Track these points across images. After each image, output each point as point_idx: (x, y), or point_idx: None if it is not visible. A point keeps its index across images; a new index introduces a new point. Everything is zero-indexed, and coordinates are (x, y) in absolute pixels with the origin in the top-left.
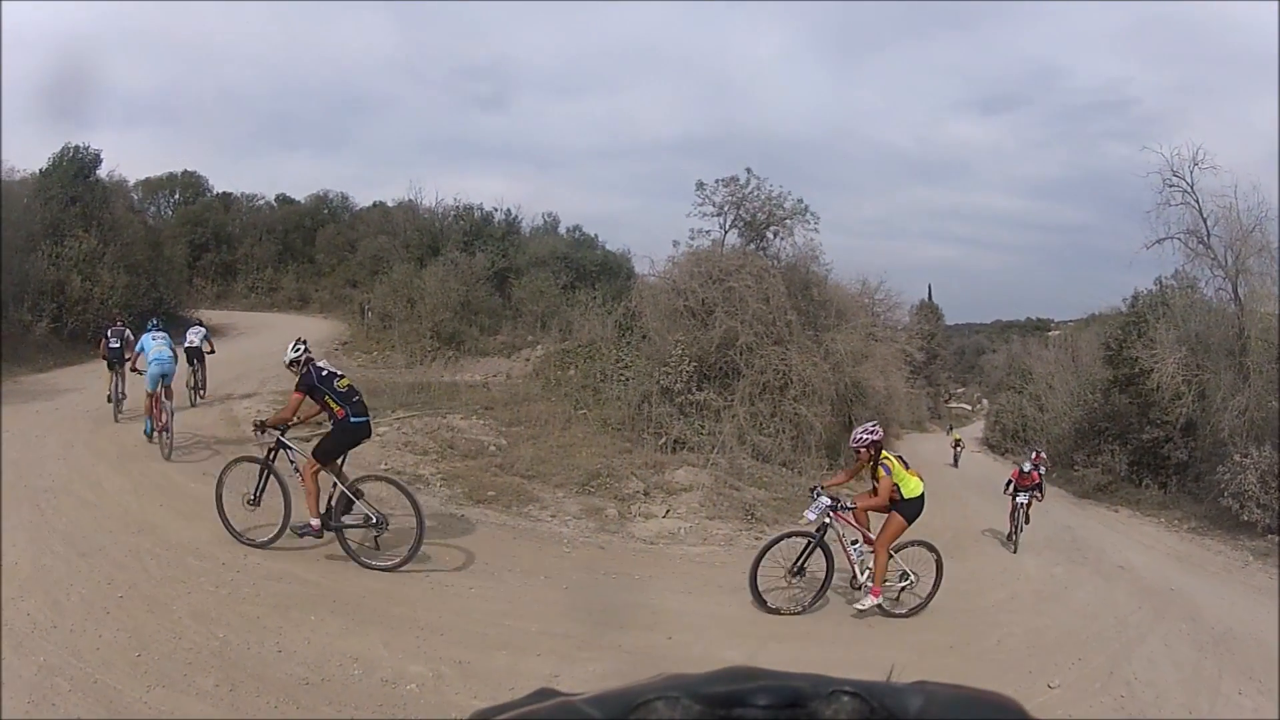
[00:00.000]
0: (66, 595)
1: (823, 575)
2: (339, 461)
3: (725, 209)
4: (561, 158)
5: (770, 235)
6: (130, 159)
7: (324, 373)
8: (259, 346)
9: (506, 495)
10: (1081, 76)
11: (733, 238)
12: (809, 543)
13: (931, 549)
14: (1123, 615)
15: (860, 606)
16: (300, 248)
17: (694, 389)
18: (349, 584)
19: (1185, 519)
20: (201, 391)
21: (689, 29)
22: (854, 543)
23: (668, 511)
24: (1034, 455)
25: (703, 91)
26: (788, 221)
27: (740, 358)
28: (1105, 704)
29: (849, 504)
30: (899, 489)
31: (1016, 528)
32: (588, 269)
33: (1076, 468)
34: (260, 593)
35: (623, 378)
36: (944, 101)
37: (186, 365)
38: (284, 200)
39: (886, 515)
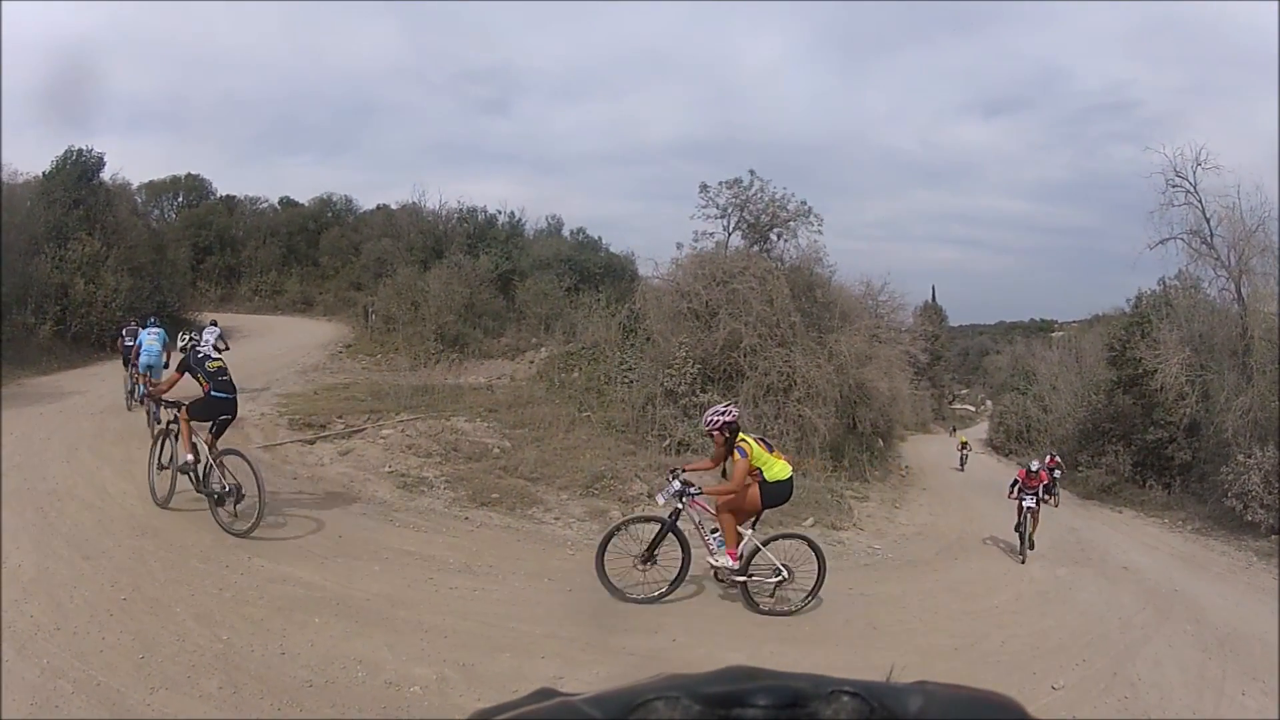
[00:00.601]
0: (70, 598)
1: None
2: (212, 434)
3: (729, 211)
4: (565, 161)
5: (774, 237)
6: (134, 163)
7: (200, 356)
8: (263, 349)
9: (510, 498)
10: (1084, 79)
11: (736, 240)
12: (661, 528)
13: (808, 542)
14: (1127, 616)
15: (713, 561)
16: (304, 251)
17: (698, 391)
18: (353, 586)
19: (1189, 520)
20: None
21: (693, 33)
22: (713, 531)
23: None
24: (1047, 458)
25: (706, 95)
26: (791, 223)
27: (744, 359)
28: (1109, 705)
29: (697, 490)
30: (761, 472)
31: (1025, 537)
32: (592, 271)
33: (1080, 469)
34: (264, 595)
35: (627, 380)
36: (948, 105)
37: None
38: (288, 203)
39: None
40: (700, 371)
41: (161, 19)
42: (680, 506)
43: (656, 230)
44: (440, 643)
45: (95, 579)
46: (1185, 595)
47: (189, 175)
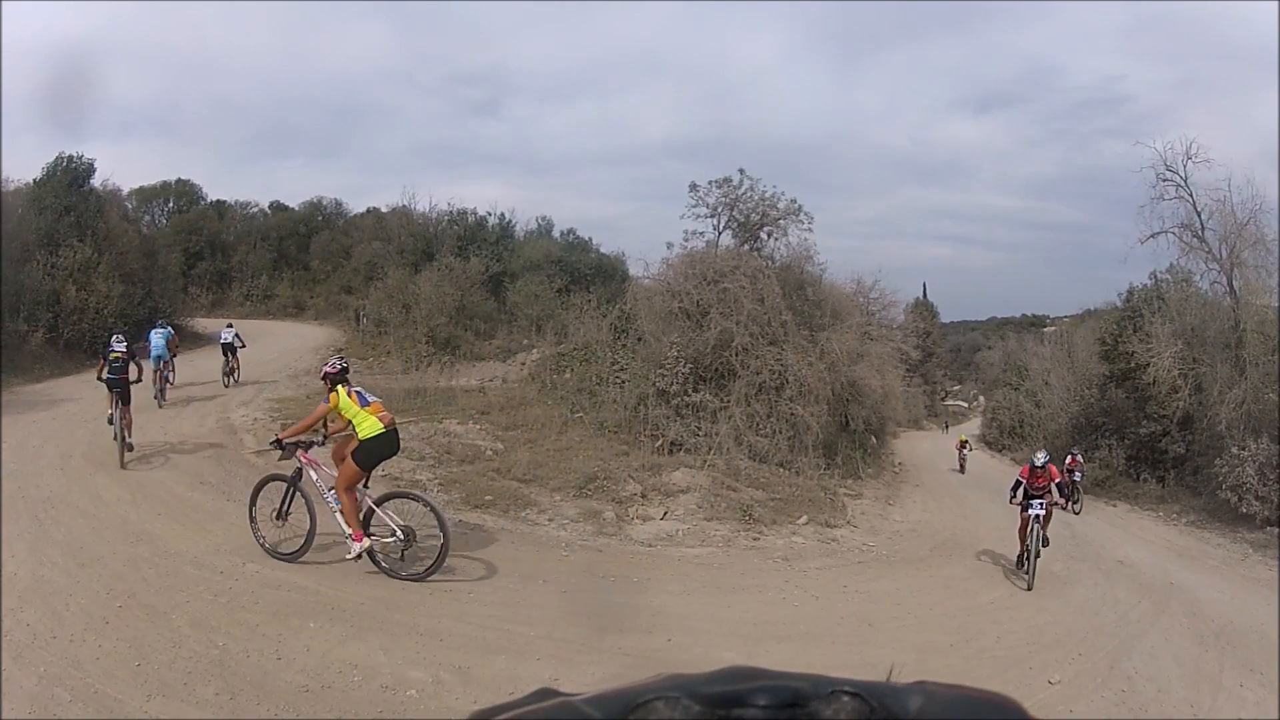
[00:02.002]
0: (66, 605)
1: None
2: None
3: (719, 210)
4: (556, 162)
5: (764, 236)
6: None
7: (111, 354)
8: (255, 354)
9: (504, 500)
10: (1075, 75)
11: (726, 239)
12: (288, 487)
13: (422, 500)
14: (1123, 610)
15: (349, 556)
16: (295, 255)
17: (690, 390)
18: (347, 591)
19: (1184, 513)
20: (236, 376)
21: (684, 33)
22: (331, 489)
23: (665, 513)
24: (1068, 458)
25: (698, 95)
26: (781, 222)
27: (736, 358)
28: (1106, 699)
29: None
30: (355, 429)
31: (1030, 550)
32: (582, 272)
33: None
34: (259, 601)
35: (619, 380)
36: (939, 102)
37: (221, 358)
38: (278, 207)
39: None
40: (692, 371)
41: (150, 24)
42: (301, 465)
43: (647, 231)
44: (435, 646)
45: (91, 586)
46: (1181, 588)
47: (179, 181)
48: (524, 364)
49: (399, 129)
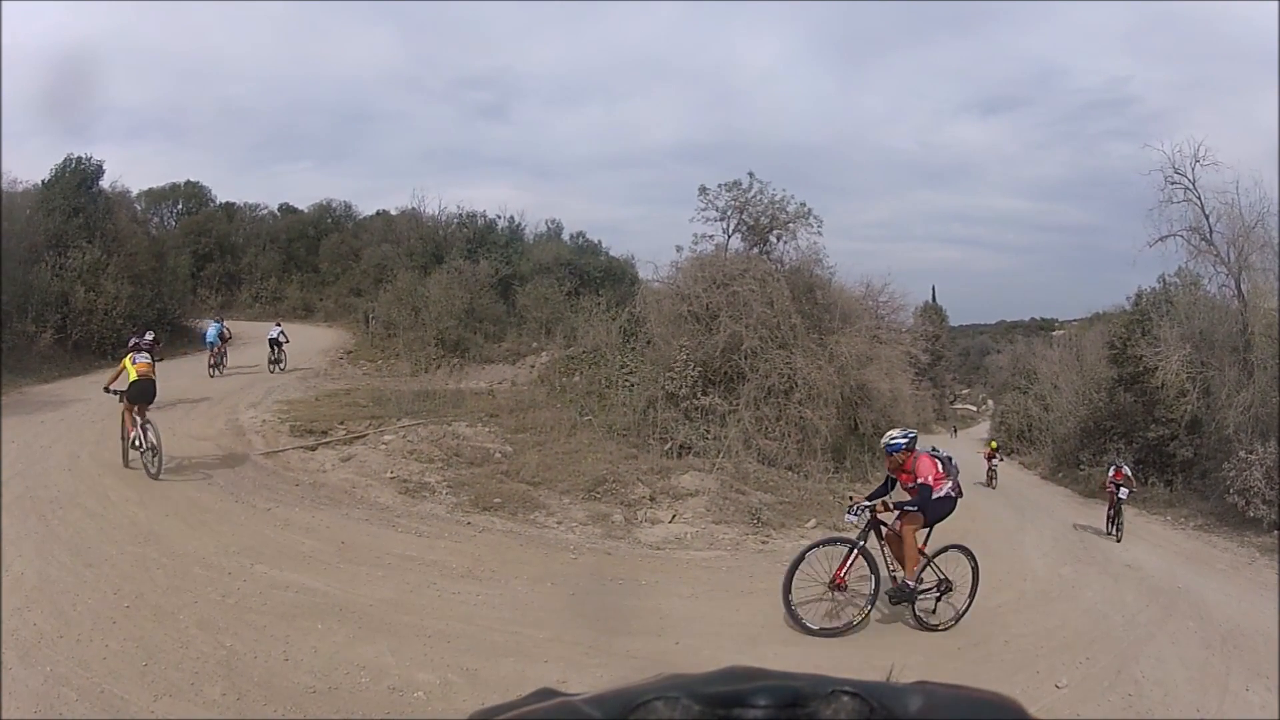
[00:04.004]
0: (73, 605)
1: None
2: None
3: (728, 213)
4: (564, 166)
5: (773, 239)
6: (134, 170)
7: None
8: (264, 356)
9: (512, 502)
10: (1082, 76)
11: (736, 242)
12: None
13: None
14: (1130, 614)
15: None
16: (304, 257)
17: (699, 394)
18: (356, 592)
19: (1191, 516)
20: (282, 364)
21: (691, 36)
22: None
23: (674, 517)
24: (1113, 470)
25: (706, 98)
26: (791, 225)
27: (745, 362)
28: (1113, 703)
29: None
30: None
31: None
32: (592, 275)
33: (1082, 467)
34: (267, 602)
35: (628, 383)
36: (946, 104)
37: (269, 350)
38: (287, 210)
39: None
40: (701, 374)
41: (159, 29)
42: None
43: (656, 234)
44: (443, 648)
45: (98, 586)
46: (1188, 592)
47: (188, 183)
48: (533, 367)
49: (407, 132)
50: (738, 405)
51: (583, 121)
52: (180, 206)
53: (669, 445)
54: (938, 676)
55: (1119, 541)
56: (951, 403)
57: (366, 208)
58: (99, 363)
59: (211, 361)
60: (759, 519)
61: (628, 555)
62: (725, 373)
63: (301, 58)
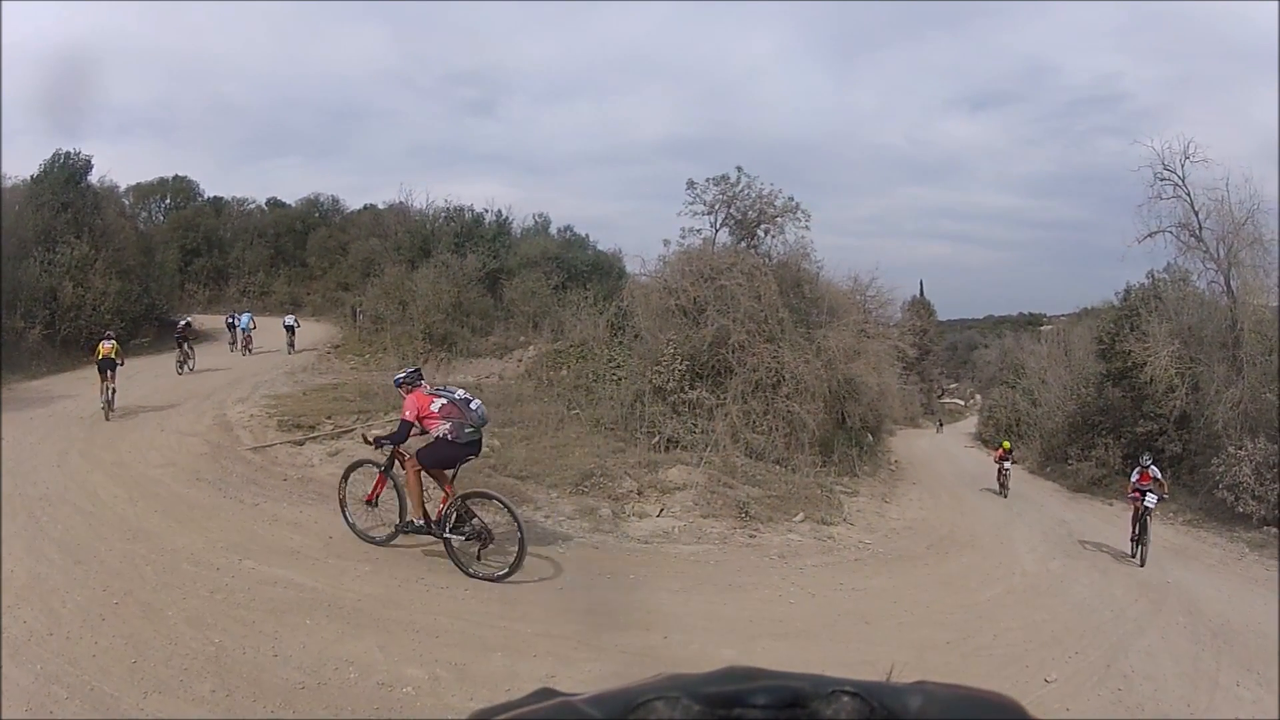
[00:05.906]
0: (63, 603)
1: None
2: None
3: (716, 208)
4: (553, 162)
5: (761, 233)
6: (122, 166)
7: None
8: (278, 340)
9: None
10: (1072, 73)
11: (724, 236)
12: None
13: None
14: (1120, 609)
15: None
16: (292, 251)
17: (686, 388)
18: (344, 588)
19: (1181, 512)
20: (294, 348)
21: (681, 32)
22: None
23: (662, 510)
24: (1138, 473)
25: (695, 94)
26: (779, 219)
27: (732, 356)
28: (1103, 697)
29: None
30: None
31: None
32: (579, 269)
33: (1070, 462)
34: (255, 598)
35: (615, 377)
36: (936, 101)
37: (285, 335)
38: (275, 204)
39: None
40: (688, 368)
41: (149, 26)
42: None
43: (645, 229)
44: (432, 643)
45: (87, 583)
46: (1178, 587)
47: (176, 177)
48: (520, 361)
49: (396, 129)
50: (725, 399)
51: (572, 118)
52: (168, 201)
53: (656, 439)
54: (926, 671)
55: (1142, 565)
56: (939, 397)
57: (355, 203)
58: (87, 359)
59: (243, 343)
60: (747, 512)
61: (615, 549)
62: (713, 367)
63: (291, 55)
